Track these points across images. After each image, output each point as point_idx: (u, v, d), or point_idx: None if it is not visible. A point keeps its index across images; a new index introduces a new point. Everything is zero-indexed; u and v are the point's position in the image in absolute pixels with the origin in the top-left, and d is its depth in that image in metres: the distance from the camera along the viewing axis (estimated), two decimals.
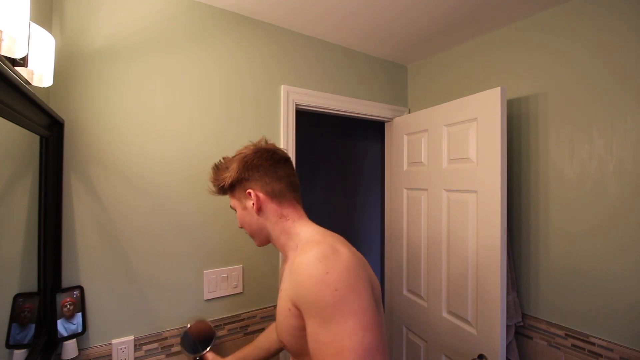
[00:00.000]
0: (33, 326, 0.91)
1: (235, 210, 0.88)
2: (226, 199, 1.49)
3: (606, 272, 1.22)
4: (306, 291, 0.61)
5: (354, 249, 0.71)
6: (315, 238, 0.73)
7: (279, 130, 1.56)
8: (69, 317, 1.05)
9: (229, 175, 0.83)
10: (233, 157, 0.87)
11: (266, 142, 0.89)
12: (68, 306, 1.06)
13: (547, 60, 1.40)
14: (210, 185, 0.89)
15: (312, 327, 0.60)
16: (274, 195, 0.81)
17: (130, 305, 1.20)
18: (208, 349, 1.16)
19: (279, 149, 0.88)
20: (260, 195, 0.81)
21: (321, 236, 0.73)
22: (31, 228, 0.95)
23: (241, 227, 0.89)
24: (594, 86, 1.26)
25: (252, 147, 0.86)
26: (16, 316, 0.82)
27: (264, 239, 0.87)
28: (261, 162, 0.82)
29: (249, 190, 0.81)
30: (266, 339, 1.10)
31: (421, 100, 1.99)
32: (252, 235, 0.88)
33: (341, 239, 0.74)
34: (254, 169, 0.82)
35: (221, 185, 0.85)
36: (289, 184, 0.84)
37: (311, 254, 0.64)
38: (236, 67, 1.45)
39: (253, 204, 0.81)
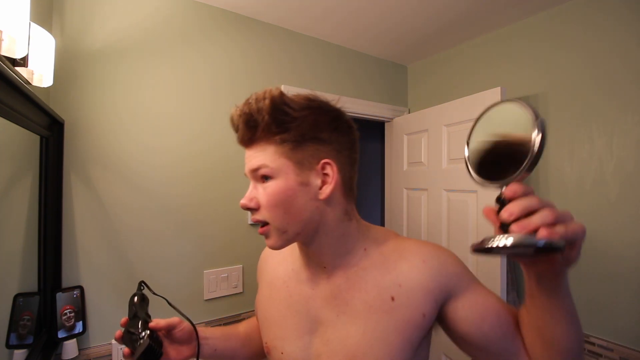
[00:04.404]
0: (32, 337, 0.91)
1: (266, 177, 0.52)
2: (223, 199, 1.55)
3: (606, 272, 1.22)
4: (456, 268, 0.55)
5: None
6: (391, 234, 0.61)
7: None
8: (70, 329, 1.06)
9: (303, 116, 0.51)
10: (294, 98, 0.52)
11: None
12: (68, 313, 1.06)
13: (547, 60, 1.40)
14: (251, 114, 0.50)
15: (474, 292, 0.55)
16: (345, 182, 0.56)
17: None
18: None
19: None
20: (338, 175, 0.54)
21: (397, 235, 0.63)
22: (31, 228, 0.95)
23: (253, 208, 0.53)
24: (594, 86, 1.26)
25: (319, 98, 0.54)
26: (15, 325, 0.82)
27: (294, 239, 0.55)
28: (343, 126, 0.55)
29: (327, 160, 0.52)
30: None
31: (421, 100, 1.99)
32: (281, 229, 0.53)
33: None
34: (335, 132, 0.54)
35: (283, 123, 0.50)
36: (356, 175, 0.59)
37: (429, 246, 0.58)
38: (236, 67, 1.45)
39: (323, 183, 0.53)
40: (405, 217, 1.86)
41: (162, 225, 1.26)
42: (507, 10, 1.42)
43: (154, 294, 0.65)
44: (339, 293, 0.57)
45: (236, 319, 1.41)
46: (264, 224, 0.54)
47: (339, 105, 0.57)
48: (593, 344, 1.24)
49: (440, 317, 0.55)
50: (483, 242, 0.38)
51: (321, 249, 0.57)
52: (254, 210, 0.54)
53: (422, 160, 1.73)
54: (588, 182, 1.27)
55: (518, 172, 0.38)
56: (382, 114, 1.94)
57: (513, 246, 0.35)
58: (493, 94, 1.32)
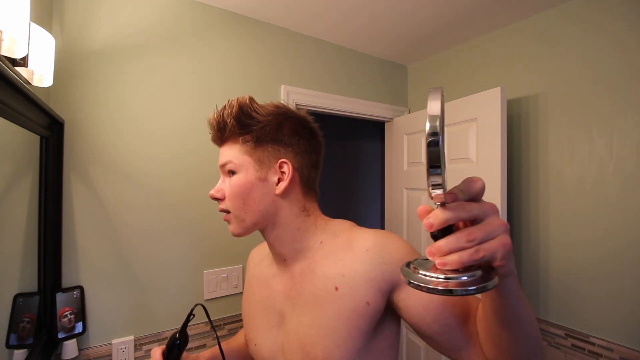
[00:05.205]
0: (31, 339, 0.91)
1: (232, 172, 0.60)
2: None
3: (606, 272, 1.22)
4: (401, 255, 0.54)
5: None
6: (348, 226, 0.63)
7: None
8: (69, 329, 1.05)
9: (267, 121, 0.58)
10: (264, 105, 0.61)
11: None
12: (68, 315, 1.05)
13: (547, 60, 1.40)
14: (222, 117, 0.61)
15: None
16: (304, 182, 0.62)
17: (130, 305, 1.20)
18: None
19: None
20: (295, 173, 0.60)
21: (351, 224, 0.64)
22: (31, 228, 0.95)
23: (219, 198, 0.61)
24: (594, 86, 1.26)
25: (286, 106, 0.62)
26: (15, 326, 0.81)
27: (252, 227, 0.61)
28: (305, 132, 0.62)
29: (284, 160, 0.59)
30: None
31: (421, 100, 1.99)
32: (240, 217, 0.60)
33: None
34: (296, 136, 0.61)
35: (247, 125, 0.58)
36: (318, 177, 0.66)
37: (377, 234, 0.57)
38: (235, 67, 1.45)
39: (279, 180, 0.60)
40: (405, 217, 1.86)
41: (163, 225, 1.26)
42: (507, 10, 1.42)
43: (209, 320, 0.76)
44: (294, 285, 0.61)
45: (236, 319, 1.41)
46: (227, 212, 0.61)
47: (304, 115, 0.64)
48: (593, 344, 1.24)
49: (391, 306, 0.56)
50: (410, 270, 0.34)
51: (280, 241, 0.62)
52: (220, 200, 0.61)
53: (422, 160, 1.73)
54: (588, 182, 1.27)
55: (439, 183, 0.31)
56: (382, 114, 1.94)
57: (430, 290, 0.31)
58: (493, 94, 1.32)
